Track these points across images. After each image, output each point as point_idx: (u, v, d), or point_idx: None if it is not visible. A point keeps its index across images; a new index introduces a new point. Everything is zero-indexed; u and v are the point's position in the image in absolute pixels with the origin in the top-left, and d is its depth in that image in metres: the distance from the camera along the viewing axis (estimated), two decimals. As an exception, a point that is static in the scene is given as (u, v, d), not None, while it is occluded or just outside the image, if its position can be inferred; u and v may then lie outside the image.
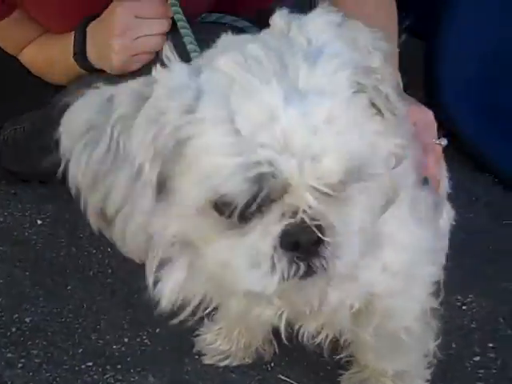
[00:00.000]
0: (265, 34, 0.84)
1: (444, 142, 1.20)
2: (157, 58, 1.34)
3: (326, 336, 1.10)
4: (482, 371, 1.31)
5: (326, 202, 0.77)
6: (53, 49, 1.51)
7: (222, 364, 1.30)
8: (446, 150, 1.83)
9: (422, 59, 1.93)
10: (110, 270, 1.54)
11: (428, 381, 1.25)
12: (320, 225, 0.77)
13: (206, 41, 1.10)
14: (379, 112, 0.81)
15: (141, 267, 1.50)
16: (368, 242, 0.84)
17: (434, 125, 1.18)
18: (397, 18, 1.34)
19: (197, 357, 1.32)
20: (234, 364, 1.30)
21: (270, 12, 1.78)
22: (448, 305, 1.44)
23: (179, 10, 1.26)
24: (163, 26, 1.33)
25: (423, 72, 1.93)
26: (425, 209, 1.08)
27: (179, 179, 0.77)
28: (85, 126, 0.79)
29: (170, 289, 0.87)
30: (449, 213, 1.33)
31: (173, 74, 0.78)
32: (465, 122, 1.83)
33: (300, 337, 1.11)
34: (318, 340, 1.11)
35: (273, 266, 0.78)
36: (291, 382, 1.27)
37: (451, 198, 1.72)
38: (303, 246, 0.78)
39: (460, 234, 1.62)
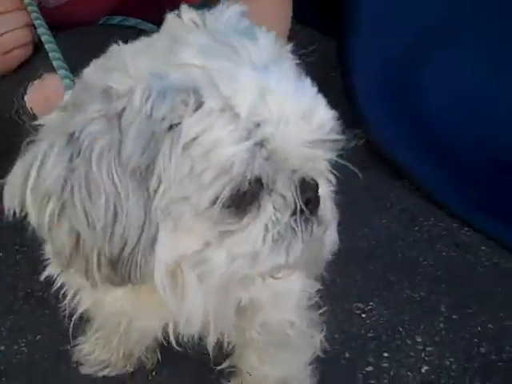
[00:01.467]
0: (172, 28, 0.80)
1: None
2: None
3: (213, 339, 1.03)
4: (373, 381, 1.26)
5: None
6: None
7: (100, 374, 1.23)
8: (363, 155, 1.84)
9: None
10: (-3, 276, 1.46)
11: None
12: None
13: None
14: None
15: (30, 272, 1.46)
16: None
17: None
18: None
19: (75, 366, 1.25)
20: (113, 374, 1.23)
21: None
22: (347, 313, 1.41)
23: (38, 13, 1.22)
24: (23, 17, 1.27)
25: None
26: None
27: (180, 189, 0.73)
28: (56, 187, 0.71)
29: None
30: None
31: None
32: (379, 128, 1.80)
33: (185, 342, 1.05)
34: (205, 343, 1.03)
35: (293, 233, 0.78)
36: (171, 392, 1.21)
37: (366, 203, 1.70)
38: (313, 202, 0.79)
39: (370, 240, 1.60)
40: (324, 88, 1.65)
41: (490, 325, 1.38)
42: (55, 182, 0.71)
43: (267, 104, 0.73)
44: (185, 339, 1.05)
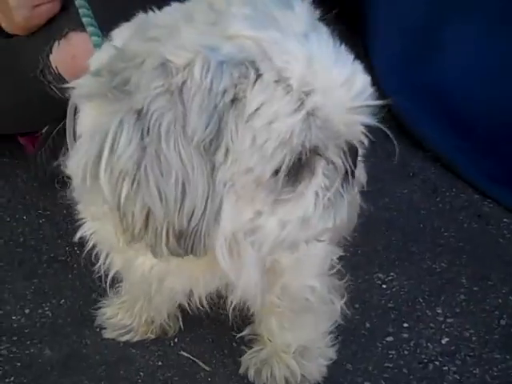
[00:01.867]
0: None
1: None
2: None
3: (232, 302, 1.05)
4: (393, 352, 1.26)
5: None
6: None
7: (123, 339, 1.25)
8: (385, 124, 1.81)
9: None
10: (21, 239, 1.48)
11: (333, 360, 1.20)
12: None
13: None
14: None
15: (53, 236, 1.47)
16: None
17: None
18: None
19: (98, 330, 1.27)
20: (135, 339, 1.25)
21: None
22: (368, 283, 1.41)
23: None
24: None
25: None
26: None
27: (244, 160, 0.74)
28: (131, 166, 0.72)
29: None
30: None
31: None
32: (398, 100, 1.78)
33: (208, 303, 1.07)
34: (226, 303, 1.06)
35: (341, 197, 0.82)
36: (192, 358, 1.23)
37: (387, 172, 1.69)
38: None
39: (391, 210, 1.59)
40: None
41: (510, 297, 1.37)
42: (129, 161, 0.71)
43: (315, 73, 0.74)
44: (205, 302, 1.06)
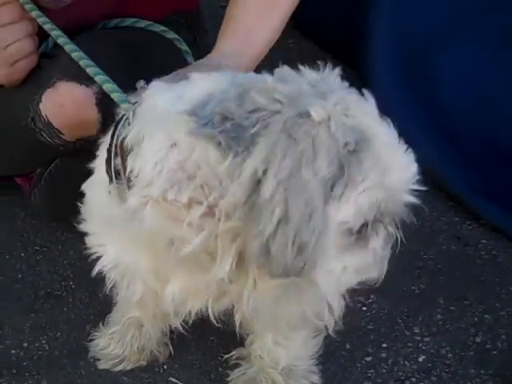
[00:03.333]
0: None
1: None
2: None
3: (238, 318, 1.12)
4: (371, 371, 1.33)
5: None
6: None
7: (117, 369, 1.31)
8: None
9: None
10: (19, 275, 1.55)
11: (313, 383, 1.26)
12: None
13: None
14: None
15: (49, 272, 1.55)
16: None
17: None
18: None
19: (92, 361, 1.34)
20: (129, 368, 1.31)
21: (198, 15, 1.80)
22: (349, 306, 1.46)
23: (38, 10, 1.28)
24: (27, 27, 1.32)
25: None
26: None
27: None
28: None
29: None
30: None
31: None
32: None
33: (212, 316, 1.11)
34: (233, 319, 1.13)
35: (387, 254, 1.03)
36: (180, 383, 1.29)
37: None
38: None
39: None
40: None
41: (486, 315, 1.44)
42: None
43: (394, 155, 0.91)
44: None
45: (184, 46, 1.59)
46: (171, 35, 1.58)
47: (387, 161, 0.89)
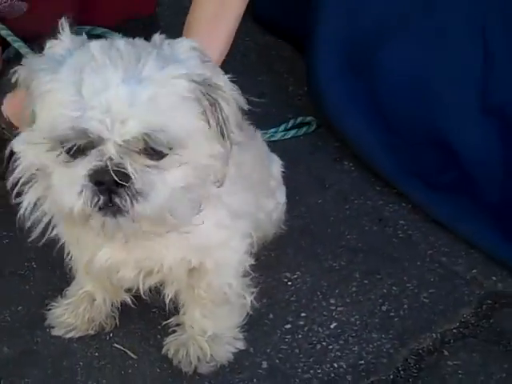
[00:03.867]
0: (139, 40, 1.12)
1: None
2: None
3: (168, 294, 1.37)
4: (289, 336, 1.53)
5: (140, 161, 1.04)
6: None
7: (68, 336, 1.52)
8: (312, 140, 2.10)
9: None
10: (-13, 257, 1.75)
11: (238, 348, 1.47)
12: (120, 171, 1.03)
13: None
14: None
15: (13, 253, 1.74)
16: (195, 201, 1.13)
17: None
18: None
19: (47, 330, 1.54)
20: (78, 335, 1.52)
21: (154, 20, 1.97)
22: (276, 281, 1.68)
23: (12, 35, 1.47)
24: None
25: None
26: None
27: (40, 117, 1.07)
28: None
29: (27, 202, 1.17)
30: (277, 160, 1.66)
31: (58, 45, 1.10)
32: (333, 102, 2.05)
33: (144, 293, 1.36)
34: (162, 296, 1.37)
35: (80, 192, 1.05)
36: (123, 349, 1.49)
37: (305, 185, 1.96)
38: (105, 183, 1.04)
39: (305, 218, 1.86)
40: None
41: (394, 287, 1.64)
42: None
43: (102, 98, 1.02)
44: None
45: None
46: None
47: None
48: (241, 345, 1.48)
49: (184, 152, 1.06)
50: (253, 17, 2.59)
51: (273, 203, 1.63)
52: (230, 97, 1.12)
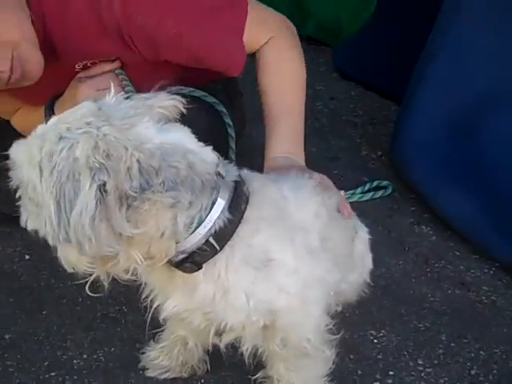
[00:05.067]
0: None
1: (342, 192, 1.54)
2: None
3: (247, 349, 1.36)
4: (378, 394, 1.55)
5: None
6: (32, 120, 1.82)
7: (162, 377, 1.56)
8: (390, 203, 2.15)
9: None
10: (79, 299, 1.81)
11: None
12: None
13: None
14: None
15: (104, 297, 1.80)
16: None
17: (329, 182, 1.52)
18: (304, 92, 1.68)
19: (141, 372, 1.58)
20: (172, 377, 1.55)
21: (233, 80, 2.11)
22: (362, 338, 1.70)
23: (127, 80, 1.64)
24: (119, 92, 1.65)
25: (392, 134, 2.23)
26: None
27: None
28: None
29: None
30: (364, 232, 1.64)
31: None
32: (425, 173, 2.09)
33: (223, 348, 1.37)
34: (241, 351, 1.36)
35: None
36: (215, 395, 1.53)
37: (385, 246, 1.99)
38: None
39: (386, 278, 1.89)
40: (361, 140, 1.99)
41: (481, 352, 1.65)
42: None
43: None
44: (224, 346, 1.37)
45: (222, 108, 1.87)
46: (211, 99, 1.87)
47: None
48: None
49: None
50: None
51: (357, 272, 1.63)
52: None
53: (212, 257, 1.19)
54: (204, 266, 1.20)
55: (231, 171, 1.22)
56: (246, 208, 1.20)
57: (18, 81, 1.53)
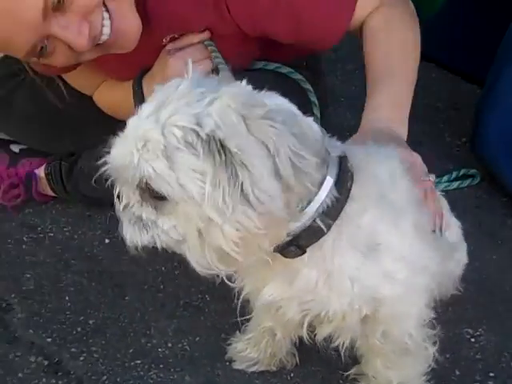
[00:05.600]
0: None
1: (432, 177, 1.39)
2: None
3: (343, 343, 1.29)
4: (479, 397, 1.45)
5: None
6: (116, 95, 1.80)
7: (251, 370, 1.50)
8: (478, 193, 2.04)
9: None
10: (161, 286, 1.78)
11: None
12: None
13: None
14: None
15: (187, 285, 1.76)
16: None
17: (421, 167, 1.38)
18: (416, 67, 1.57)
19: (227, 363, 1.53)
20: (261, 369, 1.50)
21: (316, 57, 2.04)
22: (458, 336, 1.61)
23: (217, 52, 1.57)
24: (209, 65, 1.60)
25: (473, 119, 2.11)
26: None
27: None
28: None
29: None
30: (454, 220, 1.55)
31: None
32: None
33: (318, 341, 1.31)
34: (335, 344, 1.30)
35: None
36: (306, 390, 1.47)
37: (476, 239, 1.89)
38: None
39: (481, 273, 1.79)
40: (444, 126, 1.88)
41: None
42: None
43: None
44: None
45: (308, 86, 1.80)
46: (296, 76, 1.79)
47: None
48: None
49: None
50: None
51: (453, 264, 1.55)
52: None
53: (318, 239, 1.11)
54: (309, 249, 1.12)
55: (335, 145, 1.15)
56: (351, 186, 1.11)
57: (112, 44, 1.47)
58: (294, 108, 1.09)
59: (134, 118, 1.05)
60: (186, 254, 1.09)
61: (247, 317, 1.48)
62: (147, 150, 1.00)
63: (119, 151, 1.05)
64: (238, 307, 1.33)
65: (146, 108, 1.04)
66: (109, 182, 1.10)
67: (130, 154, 1.02)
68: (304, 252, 1.13)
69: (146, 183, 1.02)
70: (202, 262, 1.07)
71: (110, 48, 1.50)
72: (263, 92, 1.08)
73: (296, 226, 1.09)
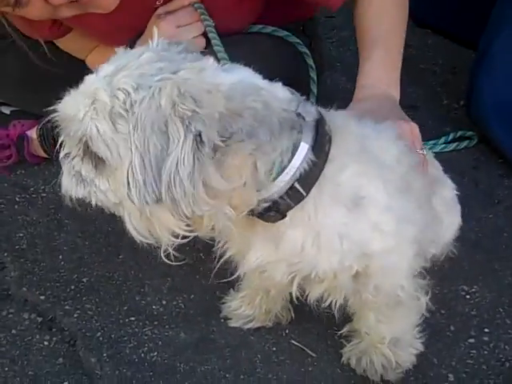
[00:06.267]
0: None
1: (425, 151, 1.38)
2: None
3: (336, 302, 1.28)
4: (474, 351, 1.46)
5: None
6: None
7: (246, 327, 1.50)
8: (475, 154, 2.03)
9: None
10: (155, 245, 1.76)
11: (421, 351, 1.40)
12: None
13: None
14: None
15: (183, 244, 1.75)
16: None
17: (419, 137, 1.38)
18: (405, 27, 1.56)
19: (222, 320, 1.53)
20: (256, 326, 1.49)
21: (313, 22, 2.01)
22: (453, 293, 1.61)
23: (206, 14, 1.54)
24: (200, 28, 1.57)
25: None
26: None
27: None
28: None
29: None
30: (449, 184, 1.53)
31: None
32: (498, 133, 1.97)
33: (310, 301, 1.29)
34: (326, 304, 1.28)
35: None
36: (301, 346, 1.46)
37: (473, 198, 1.88)
38: None
39: (477, 232, 1.78)
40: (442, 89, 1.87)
41: None
42: None
43: None
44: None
45: (304, 49, 1.77)
46: (293, 39, 1.77)
47: None
48: (420, 346, 1.40)
49: None
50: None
51: (443, 227, 1.51)
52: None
53: (298, 203, 1.10)
54: (291, 211, 1.11)
55: (311, 110, 1.12)
56: (329, 148, 1.10)
57: (88, 1, 1.43)
58: (258, 80, 1.07)
59: (93, 75, 1.03)
60: (124, 218, 1.08)
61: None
62: (94, 109, 0.99)
63: (69, 102, 1.03)
64: (216, 268, 1.30)
65: (106, 68, 1.03)
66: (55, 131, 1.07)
67: (77, 107, 1.00)
68: (284, 216, 1.11)
69: (87, 142, 1.01)
70: (139, 229, 1.07)
71: (87, 6, 1.46)
72: (228, 65, 1.07)
73: (272, 192, 1.08)
